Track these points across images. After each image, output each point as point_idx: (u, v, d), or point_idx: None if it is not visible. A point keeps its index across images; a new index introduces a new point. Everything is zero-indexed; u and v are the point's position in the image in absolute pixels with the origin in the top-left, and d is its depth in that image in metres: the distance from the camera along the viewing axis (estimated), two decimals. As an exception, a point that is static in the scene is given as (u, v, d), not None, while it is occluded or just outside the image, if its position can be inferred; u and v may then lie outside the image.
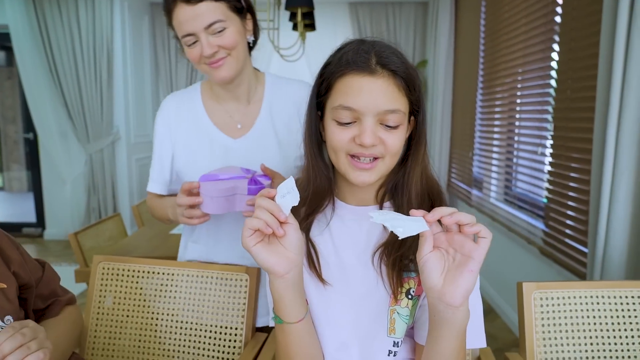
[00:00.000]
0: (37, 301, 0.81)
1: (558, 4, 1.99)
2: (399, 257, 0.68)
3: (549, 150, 2.07)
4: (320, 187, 0.73)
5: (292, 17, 2.65)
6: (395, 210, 0.72)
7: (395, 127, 0.66)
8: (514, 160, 2.57)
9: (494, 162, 2.82)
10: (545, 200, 2.11)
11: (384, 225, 0.59)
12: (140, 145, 4.37)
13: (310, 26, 2.74)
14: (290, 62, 2.97)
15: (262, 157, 1.01)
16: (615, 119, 1.39)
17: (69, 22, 3.87)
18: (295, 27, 2.71)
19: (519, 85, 2.46)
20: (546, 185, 2.08)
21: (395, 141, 0.66)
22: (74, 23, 3.87)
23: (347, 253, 0.73)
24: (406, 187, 0.70)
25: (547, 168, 2.07)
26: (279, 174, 0.96)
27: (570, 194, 1.85)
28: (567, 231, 1.87)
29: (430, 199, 0.72)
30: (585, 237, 1.70)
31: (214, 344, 1.04)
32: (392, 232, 0.58)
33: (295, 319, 0.67)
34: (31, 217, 4.48)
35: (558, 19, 1.99)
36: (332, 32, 4.48)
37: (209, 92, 1.10)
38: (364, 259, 0.72)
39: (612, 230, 1.41)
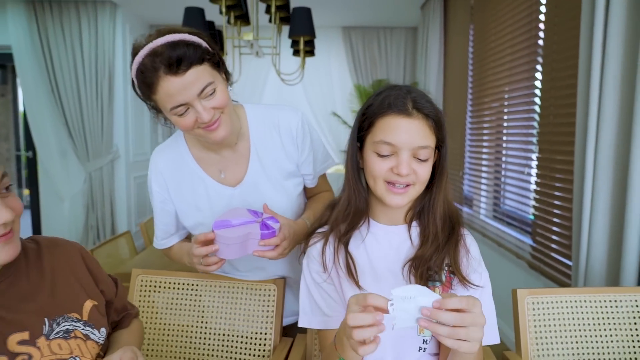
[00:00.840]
0: (112, 314, 0.92)
1: (540, 30, 2.19)
2: (425, 269, 0.82)
3: (534, 170, 2.26)
4: (359, 208, 0.88)
5: (294, 43, 2.82)
6: (421, 229, 0.86)
7: (425, 160, 0.81)
8: (502, 179, 2.75)
9: (483, 180, 3.00)
10: (532, 217, 2.28)
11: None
12: (138, 164, 4.48)
13: (310, 52, 2.91)
14: (290, 85, 3.13)
15: (265, 197, 1.07)
16: (593, 143, 1.56)
17: (72, 43, 3.99)
18: (295, 53, 2.88)
19: (506, 110, 2.65)
20: (533, 203, 2.26)
21: (425, 171, 0.81)
22: (77, 43, 4.00)
23: (380, 265, 0.87)
24: (431, 210, 0.85)
25: (534, 187, 2.25)
26: (280, 215, 1.01)
27: (555, 211, 2.02)
28: (553, 245, 2.04)
29: (451, 221, 0.86)
30: (570, 251, 1.87)
31: (246, 349, 1.16)
32: (419, 247, 0.73)
33: None
34: (27, 234, 4.51)
35: (541, 43, 2.19)
36: (327, 55, 4.68)
37: (194, 141, 1.08)
38: (394, 270, 0.86)
39: (593, 244, 1.58)
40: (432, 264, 0.82)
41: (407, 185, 0.82)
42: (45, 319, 0.76)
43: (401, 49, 4.67)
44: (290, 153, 1.09)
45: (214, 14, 3.31)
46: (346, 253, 0.87)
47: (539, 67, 2.22)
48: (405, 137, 0.79)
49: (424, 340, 0.84)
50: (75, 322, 0.79)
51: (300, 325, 0.93)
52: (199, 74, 0.90)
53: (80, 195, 4.21)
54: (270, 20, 2.59)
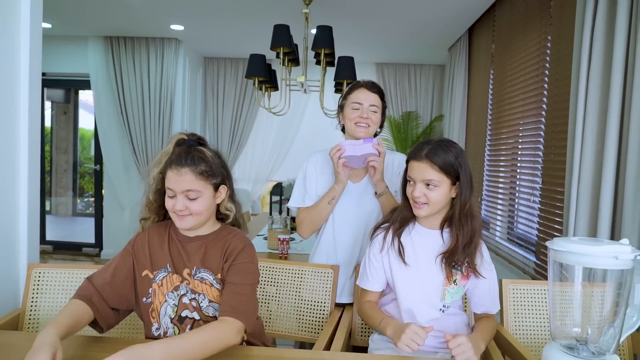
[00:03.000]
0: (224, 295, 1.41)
1: (545, 82, 2.70)
2: (452, 261, 1.33)
3: (538, 199, 2.73)
4: (407, 215, 1.40)
5: (337, 84, 3.39)
6: (450, 234, 1.36)
7: (434, 187, 1.31)
8: (516, 205, 3.22)
9: (499, 206, 3.47)
10: (535, 237, 2.75)
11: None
12: (189, 179, 5.12)
13: (331, 63, 3.37)
14: (331, 117, 3.70)
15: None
16: (576, 177, 2.04)
17: (140, 72, 4.70)
18: (337, 91, 3.43)
19: (520, 146, 3.14)
20: (537, 226, 2.73)
21: (433, 195, 1.31)
22: (145, 73, 4.70)
23: (420, 254, 1.38)
24: (454, 222, 1.34)
25: (537, 212, 2.72)
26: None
27: (555, 233, 2.49)
28: (551, 261, 2.50)
29: (471, 232, 1.33)
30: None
31: (310, 313, 1.69)
32: (448, 246, 1.27)
33: None
34: (90, 238, 5.18)
35: (545, 93, 2.70)
36: (361, 88, 5.26)
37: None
38: (430, 258, 1.37)
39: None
40: (457, 258, 1.32)
41: (425, 204, 1.34)
42: (194, 266, 1.27)
43: (430, 84, 5.22)
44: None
45: (267, 53, 3.93)
46: (398, 241, 1.39)
47: (543, 112, 2.72)
48: (416, 174, 1.33)
49: (444, 304, 1.35)
50: (209, 274, 1.28)
51: (356, 282, 1.51)
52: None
53: (139, 205, 4.84)
54: (317, 63, 3.17)
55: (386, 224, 1.46)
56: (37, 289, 1.57)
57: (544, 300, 1.59)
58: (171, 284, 1.27)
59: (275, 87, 3.54)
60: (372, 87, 1.71)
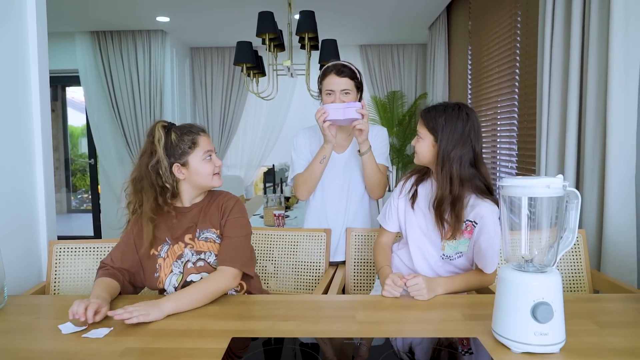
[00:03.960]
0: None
1: (517, 55, 2.89)
2: (439, 211, 1.43)
3: (515, 165, 2.94)
4: (421, 167, 1.57)
5: (321, 66, 3.55)
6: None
7: (420, 139, 1.46)
8: (497, 174, 3.43)
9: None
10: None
11: None
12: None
13: (315, 46, 3.52)
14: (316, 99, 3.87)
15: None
16: (544, 146, 2.24)
17: (129, 65, 4.82)
18: (303, 47, 3.50)
19: (498, 116, 3.34)
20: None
21: (418, 146, 1.46)
22: (133, 66, 4.82)
23: (430, 203, 1.50)
24: (434, 166, 1.45)
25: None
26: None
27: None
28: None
29: (451, 181, 1.43)
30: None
31: (306, 272, 1.88)
32: (436, 191, 1.45)
33: None
34: (89, 232, 5.34)
35: (518, 65, 2.89)
36: (346, 70, 5.42)
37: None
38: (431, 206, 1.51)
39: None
40: (443, 206, 1.42)
41: (415, 152, 1.50)
42: (197, 230, 1.45)
43: (412, 63, 5.39)
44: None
45: (253, 40, 4.07)
46: (415, 188, 1.56)
47: (517, 83, 2.92)
48: (417, 128, 1.51)
49: (443, 254, 1.51)
50: (212, 233, 1.47)
51: (377, 218, 1.71)
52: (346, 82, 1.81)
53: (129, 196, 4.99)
54: (301, 47, 3.33)
55: (410, 173, 1.64)
56: (59, 263, 1.74)
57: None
58: (174, 254, 1.44)
59: (262, 72, 3.70)
60: (341, 71, 1.81)
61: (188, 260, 1.44)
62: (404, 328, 1.14)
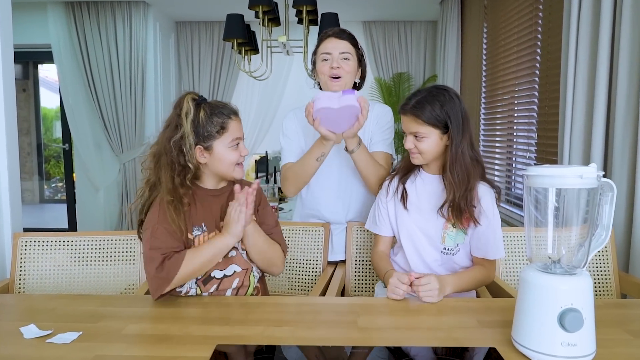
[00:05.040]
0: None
1: (539, 33, 2.83)
2: (456, 209, 1.43)
3: (534, 155, 2.90)
4: (409, 162, 1.53)
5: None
6: (446, 180, 1.46)
7: (422, 138, 1.44)
8: (513, 165, 3.38)
9: (497, 167, 3.64)
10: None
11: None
12: (167, 155, 5.21)
13: (314, 21, 3.42)
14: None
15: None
16: (568, 133, 2.19)
17: (107, 40, 4.73)
18: (300, 22, 3.41)
19: (516, 101, 3.28)
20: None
21: (423, 146, 1.44)
22: (112, 41, 4.73)
23: (423, 198, 1.52)
24: (447, 167, 1.44)
25: (534, 169, 2.89)
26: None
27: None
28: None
29: (466, 176, 1.43)
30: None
31: (302, 271, 1.84)
32: (448, 194, 1.41)
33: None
34: (63, 224, 5.29)
35: (539, 44, 2.83)
36: (348, 49, 5.34)
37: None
38: (432, 203, 1.50)
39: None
40: (461, 206, 1.43)
41: (417, 153, 1.47)
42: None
43: (421, 42, 5.32)
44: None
45: (245, 14, 4.00)
46: (403, 187, 1.54)
47: (537, 64, 2.86)
48: (405, 126, 1.47)
49: (444, 247, 1.50)
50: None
51: (365, 226, 1.68)
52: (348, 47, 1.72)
53: (115, 186, 4.95)
54: (299, 22, 3.26)
55: (394, 172, 1.63)
56: (24, 258, 1.69)
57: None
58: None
59: (255, 49, 3.63)
60: (341, 34, 1.74)
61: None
62: (411, 336, 1.10)
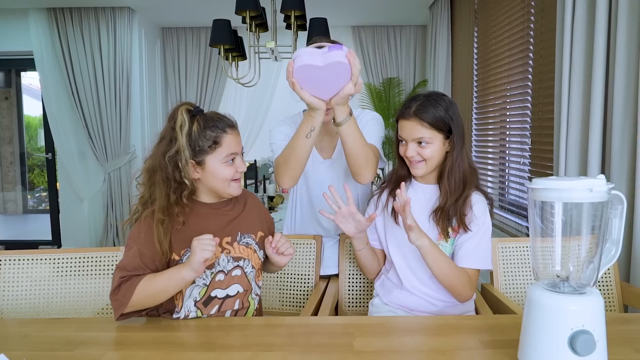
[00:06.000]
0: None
1: (531, 37, 2.80)
2: (445, 217, 1.39)
3: (528, 161, 2.86)
4: (402, 173, 1.50)
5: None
6: (442, 188, 1.42)
7: (426, 144, 1.38)
8: (507, 170, 3.34)
9: (490, 173, 3.60)
10: (527, 202, 2.88)
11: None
12: (154, 164, 5.12)
13: (302, 26, 3.36)
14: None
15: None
16: (564, 139, 2.15)
17: (91, 47, 4.63)
18: (288, 27, 3.33)
19: (508, 106, 3.25)
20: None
21: (427, 152, 1.39)
22: (96, 48, 4.63)
23: (415, 209, 1.42)
24: (445, 175, 1.41)
25: (528, 175, 2.85)
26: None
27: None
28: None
29: (464, 183, 1.41)
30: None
31: (293, 287, 1.77)
32: (442, 200, 1.35)
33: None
34: (47, 235, 5.15)
35: (532, 48, 2.80)
36: (337, 54, 5.30)
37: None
38: (425, 214, 1.45)
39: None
40: (450, 213, 1.39)
41: (420, 161, 1.42)
42: (239, 232, 1.37)
43: (411, 47, 5.29)
44: None
45: (232, 19, 3.93)
46: (394, 201, 1.47)
47: (530, 69, 2.83)
48: (406, 133, 1.41)
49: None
50: (252, 240, 1.40)
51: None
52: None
53: (99, 196, 4.84)
54: (287, 27, 3.20)
55: (384, 184, 1.57)
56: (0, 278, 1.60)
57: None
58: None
59: (243, 55, 3.56)
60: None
61: (220, 271, 1.33)
62: (410, 359, 1.03)
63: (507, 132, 3.29)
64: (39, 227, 6.35)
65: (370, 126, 1.69)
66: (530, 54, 2.82)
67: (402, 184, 1.32)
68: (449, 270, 1.37)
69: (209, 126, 1.27)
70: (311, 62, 1.25)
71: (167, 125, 1.28)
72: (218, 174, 1.30)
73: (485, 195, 1.48)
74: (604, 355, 0.89)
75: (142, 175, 1.31)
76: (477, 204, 1.44)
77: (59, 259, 1.64)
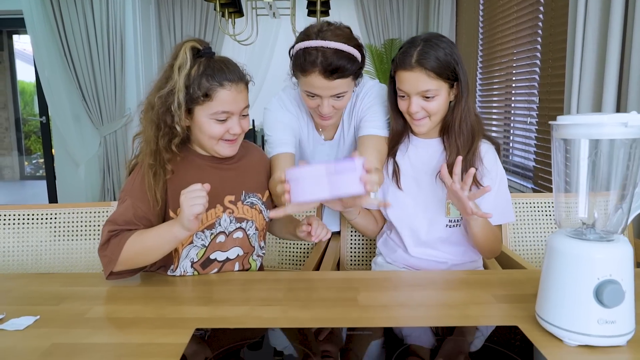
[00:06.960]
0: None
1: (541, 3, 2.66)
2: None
3: (535, 120, 2.75)
4: (399, 129, 1.35)
5: (310, 4, 3.28)
6: (448, 141, 1.29)
7: (432, 97, 1.24)
8: (511, 131, 3.24)
9: (494, 134, 3.49)
10: (533, 162, 2.79)
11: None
12: (151, 127, 5.00)
13: (325, 12, 3.36)
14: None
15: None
16: (575, 99, 2.04)
17: (83, 9, 4.44)
18: (310, 13, 3.33)
19: (514, 64, 3.12)
20: (534, 149, 2.76)
21: (433, 106, 1.25)
22: (88, 8, 4.45)
23: (419, 169, 1.34)
24: (452, 126, 1.28)
25: (535, 135, 2.75)
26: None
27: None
28: (551, 186, 2.55)
29: (472, 134, 1.28)
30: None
31: (293, 244, 1.70)
32: (448, 156, 1.24)
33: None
34: (44, 200, 5.08)
35: (541, 9, 2.66)
36: (337, 16, 5.11)
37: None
38: (430, 172, 1.33)
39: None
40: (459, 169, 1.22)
41: (424, 117, 1.27)
42: (243, 191, 1.27)
43: (413, 6, 5.09)
44: None
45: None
46: (393, 162, 1.36)
47: (540, 23, 2.69)
48: (410, 86, 1.24)
49: (449, 220, 1.33)
50: (258, 199, 1.30)
51: None
52: (343, 83, 1.25)
53: (96, 160, 4.74)
54: (287, -18, 3.06)
55: None
56: (-15, 234, 1.53)
57: (543, 213, 1.63)
58: (204, 221, 1.21)
59: (240, 12, 3.41)
60: (331, 71, 1.23)
61: (221, 233, 1.23)
62: (420, 314, 0.96)
63: (513, 92, 3.17)
64: (36, 193, 6.29)
65: (373, 112, 1.41)
66: (541, 8, 2.68)
67: (472, 169, 1.13)
68: (492, 236, 1.28)
69: (206, 74, 1.12)
70: (311, 197, 0.95)
71: (168, 62, 1.15)
72: (204, 129, 1.16)
73: (491, 140, 1.36)
74: (632, 307, 0.82)
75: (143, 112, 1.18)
76: (487, 155, 1.32)
77: (48, 214, 1.56)
